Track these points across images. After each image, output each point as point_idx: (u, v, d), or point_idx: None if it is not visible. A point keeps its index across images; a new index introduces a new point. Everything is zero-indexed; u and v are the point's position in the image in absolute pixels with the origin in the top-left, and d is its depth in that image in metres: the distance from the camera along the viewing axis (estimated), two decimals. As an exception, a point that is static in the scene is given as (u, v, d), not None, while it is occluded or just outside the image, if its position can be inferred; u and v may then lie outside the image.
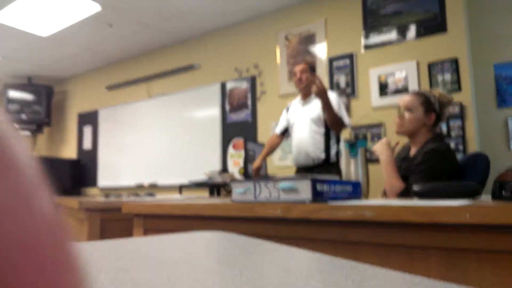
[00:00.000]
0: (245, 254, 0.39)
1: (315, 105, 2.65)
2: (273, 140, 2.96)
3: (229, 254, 0.39)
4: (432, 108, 1.64)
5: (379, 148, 1.56)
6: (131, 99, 5.76)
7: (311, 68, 2.75)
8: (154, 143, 5.34)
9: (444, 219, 0.68)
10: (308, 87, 2.62)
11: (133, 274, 0.31)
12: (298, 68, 2.68)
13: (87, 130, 6.31)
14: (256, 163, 2.85)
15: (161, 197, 2.25)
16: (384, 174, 1.50)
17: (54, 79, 6.75)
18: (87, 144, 6.29)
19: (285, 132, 2.93)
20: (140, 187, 5.34)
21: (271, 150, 2.96)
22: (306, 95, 2.75)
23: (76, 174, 6.13)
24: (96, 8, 4.16)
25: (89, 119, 6.29)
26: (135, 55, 5.73)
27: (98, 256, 0.39)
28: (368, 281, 0.28)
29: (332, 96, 2.61)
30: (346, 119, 2.62)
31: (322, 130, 2.65)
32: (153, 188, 5.19)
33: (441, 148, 1.54)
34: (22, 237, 0.10)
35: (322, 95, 2.29)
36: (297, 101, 2.88)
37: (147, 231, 1.20)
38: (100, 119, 6.12)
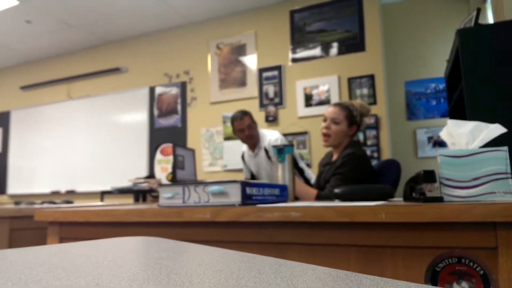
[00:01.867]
0: (172, 258, 0.38)
1: (262, 156, 2.76)
2: None
3: (155, 258, 0.37)
4: (354, 120, 1.80)
5: None
6: (49, 100, 5.31)
7: (251, 118, 2.78)
8: (75, 147, 4.97)
9: (363, 218, 0.73)
10: (254, 139, 2.74)
11: (46, 283, 0.28)
12: (245, 125, 2.69)
13: (-5, 132, 5.68)
14: None
15: (80, 204, 2.09)
16: (298, 190, 1.61)
17: (-43, 75, 5.99)
18: (-6, 148, 5.65)
19: (253, 178, 2.96)
20: (56, 194, 4.92)
21: None
22: (254, 147, 2.82)
23: (-21, 181, 5.45)
24: (13, 1, 3.79)
25: (0, 120, 5.67)
26: (55, 55, 5.32)
27: (4, 265, 0.34)
28: (297, 277, 0.28)
29: (275, 135, 2.75)
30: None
31: None
32: (71, 195, 4.82)
33: (357, 152, 1.69)
34: None
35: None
36: (247, 151, 2.93)
37: (63, 240, 1.10)
38: (12, 120, 5.55)
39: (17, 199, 5.38)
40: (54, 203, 2.17)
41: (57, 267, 0.33)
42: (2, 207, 1.66)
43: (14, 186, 5.39)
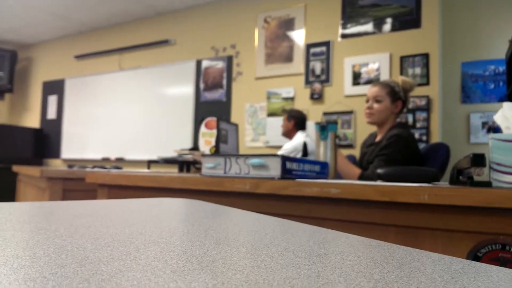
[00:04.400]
0: (211, 217, 0.39)
1: None
2: None
3: (195, 217, 0.39)
4: (398, 96, 1.73)
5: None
6: (101, 70, 5.56)
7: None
8: (124, 117, 5.21)
9: (404, 198, 0.72)
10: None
11: (95, 229, 0.30)
12: None
13: (52, 99, 6.06)
14: None
15: (128, 170, 2.20)
16: (341, 167, 1.56)
17: (19, 44, 6.40)
18: (51, 114, 6.04)
19: None
20: (106, 160, 5.22)
21: None
22: None
23: (38, 144, 5.90)
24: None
25: (55, 88, 6.04)
26: (108, 25, 5.51)
27: (58, 213, 0.38)
28: (329, 242, 0.29)
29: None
30: None
31: None
32: (120, 162, 5.09)
33: (403, 134, 1.62)
34: None
35: None
36: None
37: (111, 201, 1.17)
38: (66, 88, 5.89)
39: (70, 163, 5.77)
40: (104, 168, 2.30)
41: (105, 217, 0.36)
42: (56, 169, 1.79)
43: (68, 151, 5.77)
